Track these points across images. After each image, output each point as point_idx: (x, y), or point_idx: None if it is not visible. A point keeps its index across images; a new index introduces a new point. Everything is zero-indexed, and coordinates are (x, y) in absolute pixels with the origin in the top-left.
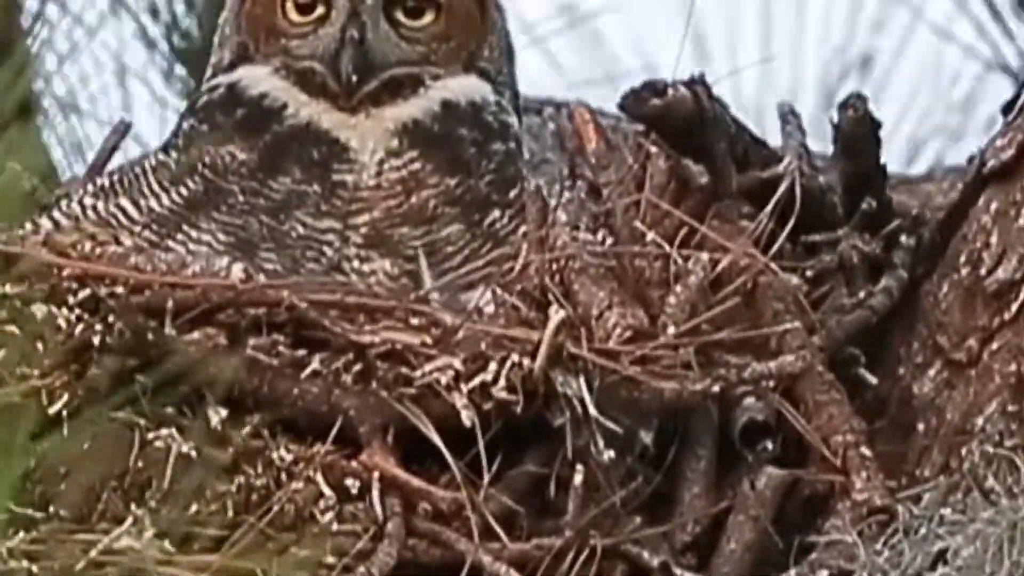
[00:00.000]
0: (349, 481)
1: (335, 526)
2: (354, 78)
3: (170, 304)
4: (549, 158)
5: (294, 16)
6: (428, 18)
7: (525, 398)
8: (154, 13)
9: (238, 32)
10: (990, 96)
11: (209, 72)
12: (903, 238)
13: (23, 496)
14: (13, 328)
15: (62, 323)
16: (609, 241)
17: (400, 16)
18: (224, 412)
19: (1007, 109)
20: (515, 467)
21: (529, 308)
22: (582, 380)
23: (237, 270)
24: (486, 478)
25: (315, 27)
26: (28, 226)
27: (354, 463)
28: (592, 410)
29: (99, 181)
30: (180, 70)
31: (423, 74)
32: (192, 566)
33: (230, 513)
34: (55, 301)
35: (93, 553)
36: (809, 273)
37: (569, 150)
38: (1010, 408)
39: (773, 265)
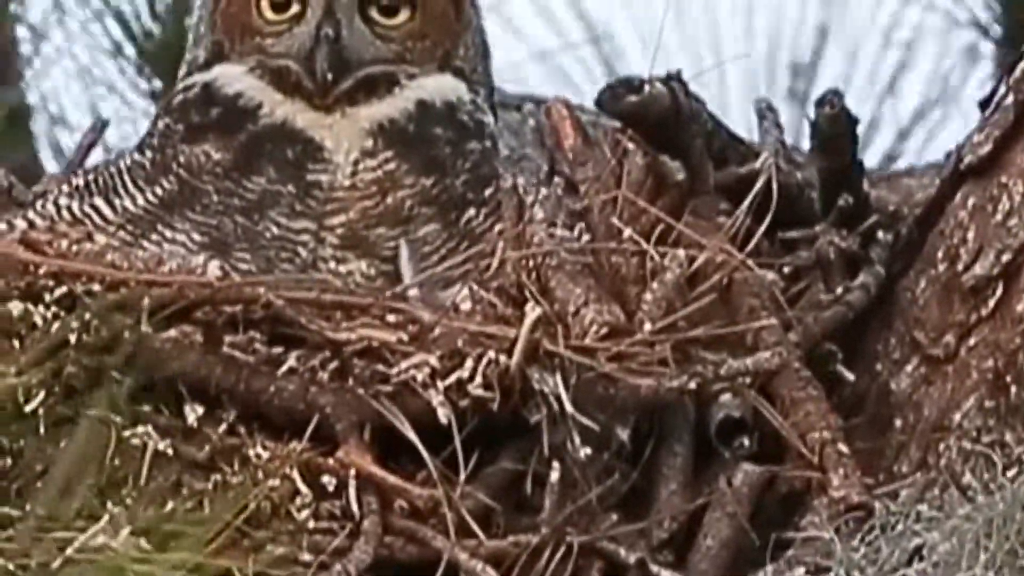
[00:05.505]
0: (325, 478)
1: (311, 523)
2: (329, 76)
3: (146, 301)
4: (529, 154)
5: (269, 14)
6: (403, 16)
7: (501, 395)
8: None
9: (213, 31)
10: None
11: (184, 71)
12: (880, 234)
13: None
14: None
15: (38, 321)
16: (586, 238)
17: (375, 14)
18: (200, 409)
19: (985, 104)
20: (491, 464)
21: (506, 305)
22: (558, 377)
23: (214, 267)
24: (462, 475)
25: (290, 25)
26: (3, 225)
27: (330, 460)
28: (568, 407)
29: (74, 181)
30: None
31: (398, 73)
32: (168, 564)
33: (206, 511)
34: (31, 299)
35: (69, 551)
36: (786, 269)
37: (548, 146)
38: (987, 404)
39: (749, 261)
